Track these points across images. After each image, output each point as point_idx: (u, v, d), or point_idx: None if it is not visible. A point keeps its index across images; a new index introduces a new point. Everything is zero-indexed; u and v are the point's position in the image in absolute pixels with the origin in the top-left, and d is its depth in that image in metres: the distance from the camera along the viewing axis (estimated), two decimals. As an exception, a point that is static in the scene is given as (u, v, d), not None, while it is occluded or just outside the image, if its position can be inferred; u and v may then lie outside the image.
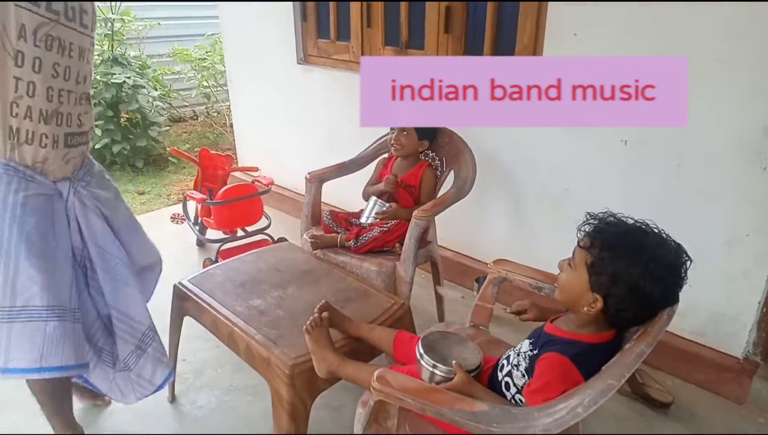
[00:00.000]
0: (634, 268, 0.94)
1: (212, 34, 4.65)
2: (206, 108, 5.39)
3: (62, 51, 1.22)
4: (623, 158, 1.90)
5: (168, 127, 4.89)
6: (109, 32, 4.19)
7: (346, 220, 2.04)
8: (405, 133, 2.00)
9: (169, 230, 2.97)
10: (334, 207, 2.52)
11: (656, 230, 1.00)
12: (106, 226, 1.39)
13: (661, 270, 0.95)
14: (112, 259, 1.38)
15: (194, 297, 1.54)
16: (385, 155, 2.21)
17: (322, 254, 1.94)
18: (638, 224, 1.01)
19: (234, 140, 3.79)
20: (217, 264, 1.71)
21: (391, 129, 2.03)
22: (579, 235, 1.05)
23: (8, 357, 1.24)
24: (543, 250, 2.07)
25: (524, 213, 2.25)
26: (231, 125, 4.39)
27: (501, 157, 2.23)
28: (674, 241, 0.99)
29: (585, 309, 1.00)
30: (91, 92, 1.43)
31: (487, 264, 1.51)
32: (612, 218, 1.03)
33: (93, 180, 1.40)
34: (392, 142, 2.02)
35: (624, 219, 1.03)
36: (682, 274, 0.97)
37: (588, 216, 1.05)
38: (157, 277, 1.62)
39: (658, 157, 1.82)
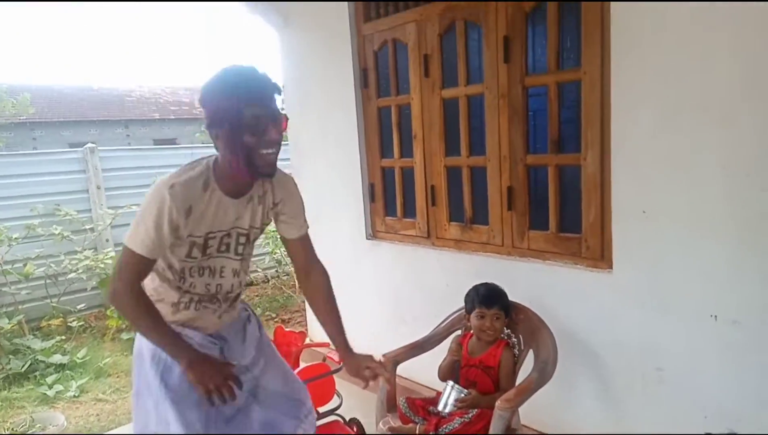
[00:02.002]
0: None
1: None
2: (276, 271, 5.68)
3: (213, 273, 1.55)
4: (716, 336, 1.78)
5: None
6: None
7: (424, 408, 1.96)
8: (498, 318, 1.99)
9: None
10: (408, 381, 2.44)
11: None
12: None
13: None
14: None
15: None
16: (459, 332, 2.18)
17: (401, 447, 1.84)
18: None
19: (303, 302, 3.90)
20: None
21: (479, 314, 2.00)
22: None
23: None
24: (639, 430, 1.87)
25: (614, 392, 2.08)
26: (300, 288, 4.55)
27: (582, 334, 2.14)
28: None
29: None
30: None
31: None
32: None
33: None
34: (486, 329, 1.99)
35: None
36: None
37: None
38: None
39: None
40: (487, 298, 2.01)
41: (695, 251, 1.80)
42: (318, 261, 1.75)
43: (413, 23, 2.61)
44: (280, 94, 1.42)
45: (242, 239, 1.55)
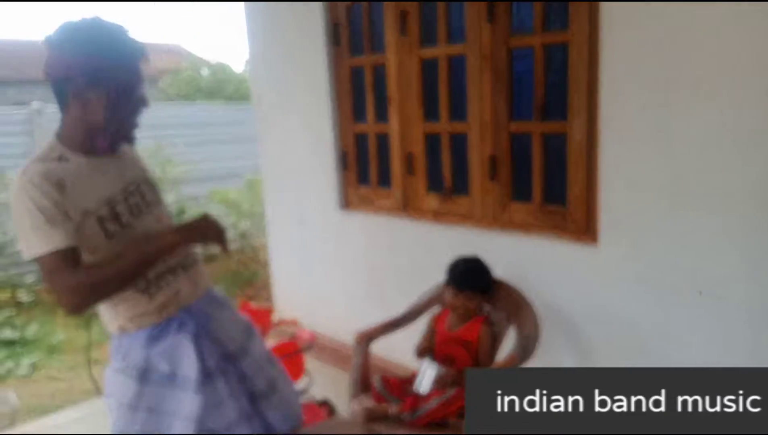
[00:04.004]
0: None
1: (249, 175, 4.85)
2: (241, 245, 5.47)
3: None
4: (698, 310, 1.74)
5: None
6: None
7: (399, 388, 1.87)
8: (471, 298, 1.91)
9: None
10: (382, 360, 2.36)
11: None
12: None
13: None
14: None
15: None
16: (436, 310, 2.09)
17: (375, 429, 1.75)
18: None
19: (269, 278, 3.76)
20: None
21: (452, 292, 1.92)
22: None
23: None
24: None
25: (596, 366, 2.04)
26: (265, 263, 4.40)
27: (565, 309, 2.08)
28: None
29: None
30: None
31: None
32: None
33: None
34: (457, 307, 1.92)
35: None
36: None
37: None
38: None
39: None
40: (460, 278, 1.93)
41: (682, 226, 1.76)
42: None
43: (390, -25, 2.42)
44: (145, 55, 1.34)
45: (143, 190, 1.42)
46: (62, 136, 1.31)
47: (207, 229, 1.37)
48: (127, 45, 1.29)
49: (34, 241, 1.20)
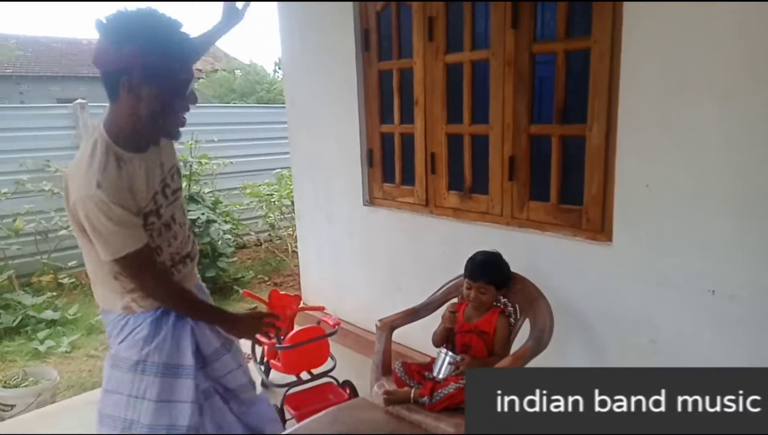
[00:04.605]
0: None
1: (280, 170, 5.02)
2: (270, 235, 5.66)
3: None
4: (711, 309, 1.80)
5: (235, 259, 5.11)
6: (187, 173, 4.61)
7: (419, 373, 1.98)
8: (484, 292, 1.98)
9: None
10: (403, 346, 2.47)
11: None
12: None
13: None
14: None
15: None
16: (455, 300, 2.19)
17: (395, 411, 1.87)
18: None
19: (296, 267, 3.91)
20: (294, 428, 1.67)
21: (467, 284, 2.02)
22: None
23: None
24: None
25: (607, 363, 2.11)
26: (293, 252, 4.55)
27: (578, 305, 2.15)
28: None
29: None
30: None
31: None
32: None
33: None
34: (471, 299, 2.00)
35: None
36: None
37: None
38: None
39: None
40: (475, 270, 2.00)
41: (696, 226, 1.80)
42: None
43: (419, -17, 2.52)
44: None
45: (175, 178, 1.49)
46: (113, 134, 1.30)
47: (255, 326, 1.53)
48: (183, 41, 1.27)
49: (118, 244, 1.29)
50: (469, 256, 2.07)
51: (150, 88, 1.24)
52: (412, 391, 1.90)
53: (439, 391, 1.85)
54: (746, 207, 1.69)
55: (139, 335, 1.42)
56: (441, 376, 1.92)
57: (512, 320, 2.06)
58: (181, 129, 1.37)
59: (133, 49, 1.20)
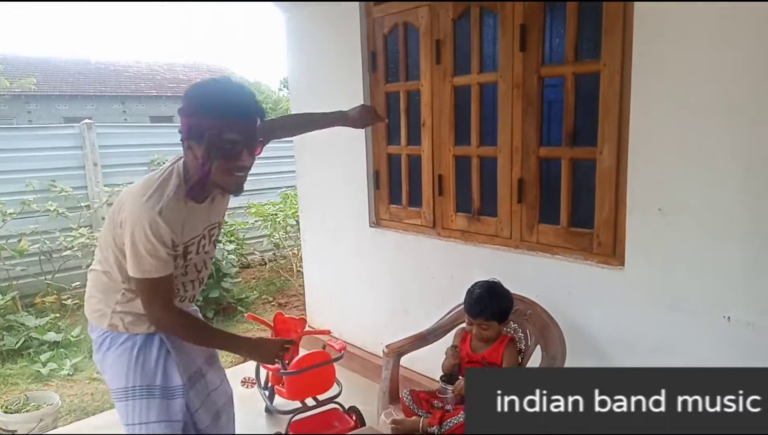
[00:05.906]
0: None
1: (285, 189, 5.01)
2: (274, 254, 5.63)
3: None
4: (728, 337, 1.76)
5: (239, 279, 5.07)
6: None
7: (428, 402, 1.93)
8: (485, 327, 1.91)
9: (236, 393, 2.91)
10: (410, 371, 2.41)
11: None
12: None
13: None
14: None
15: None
16: (464, 325, 2.14)
17: (404, 440, 1.82)
18: None
19: (301, 286, 3.87)
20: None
21: (468, 320, 1.95)
22: None
23: None
24: None
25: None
26: (298, 272, 4.51)
27: (591, 331, 2.11)
28: None
29: None
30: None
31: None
32: None
33: None
34: (474, 335, 1.94)
35: None
36: None
37: None
38: None
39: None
40: (473, 306, 1.90)
41: (710, 251, 1.77)
42: None
43: (426, 7, 2.53)
44: (263, 118, 1.43)
45: (213, 232, 1.59)
46: (185, 177, 1.44)
47: (275, 350, 1.57)
48: (251, 110, 1.37)
49: (140, 262, 1.37)
50: (476, 280, 2.02)
51: (198, 148, 1.36)
52: (421, 420, 1.85)
53: (449, 420, 1.80)
54: (761, 232, 1.67)
55: (124, 360, 1.51)
56: (450, 405, 1.88)
57: (522, 347, 2.02)
58: (240, 187, 1.45)
59: (188, 114, 1.36)
